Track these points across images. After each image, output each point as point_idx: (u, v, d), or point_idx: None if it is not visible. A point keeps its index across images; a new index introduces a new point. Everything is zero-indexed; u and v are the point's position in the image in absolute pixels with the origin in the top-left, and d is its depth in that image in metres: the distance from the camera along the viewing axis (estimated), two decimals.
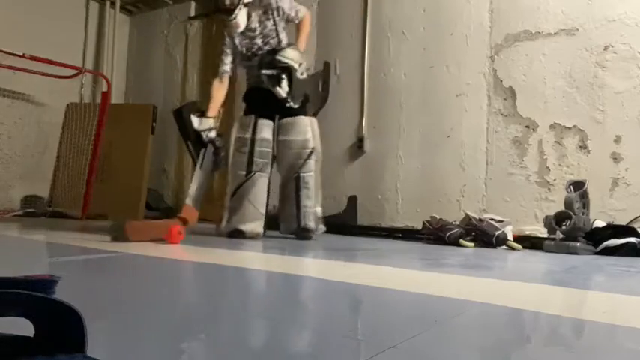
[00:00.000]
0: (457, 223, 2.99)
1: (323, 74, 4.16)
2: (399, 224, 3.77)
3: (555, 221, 2.68)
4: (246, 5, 2.87)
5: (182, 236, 2.25)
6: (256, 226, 2.86)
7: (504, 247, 2.82)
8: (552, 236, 2.73)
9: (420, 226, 3.24)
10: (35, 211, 4.30)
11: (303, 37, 3.01)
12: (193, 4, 5.32)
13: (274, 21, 2.95)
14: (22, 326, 0.40)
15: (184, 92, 5.21)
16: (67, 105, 4.82)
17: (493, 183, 3.46)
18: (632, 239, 2.59)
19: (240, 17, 2.86)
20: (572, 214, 2.62)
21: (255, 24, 2.93)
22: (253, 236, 2.81)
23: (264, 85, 2.84)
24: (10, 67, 4.23)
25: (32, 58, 4.29)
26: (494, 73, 3.51)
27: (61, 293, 0.39)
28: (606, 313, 1.06)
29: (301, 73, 2.87)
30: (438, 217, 3.02)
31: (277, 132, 2.93)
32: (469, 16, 3.63)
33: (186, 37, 5.26)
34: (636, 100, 3.04)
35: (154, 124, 4.88)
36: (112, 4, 5.45)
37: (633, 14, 3.09)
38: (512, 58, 3.45)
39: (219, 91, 2.99)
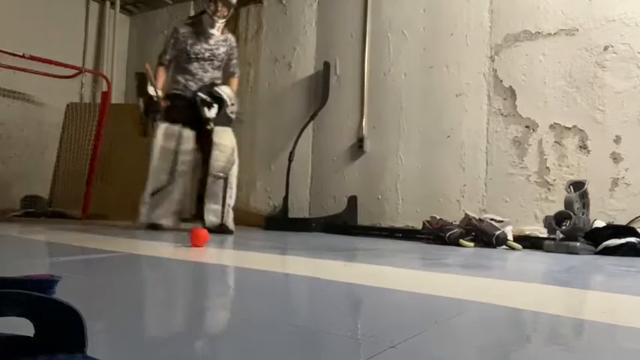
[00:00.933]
0: (457, 223, 2.99)
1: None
2: (399, 224, 3.77)
3: (555, 221, 2.68)
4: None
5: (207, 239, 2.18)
6: (174, 220, 3.28)
7: (504, 247, 2.82)
8: (552, 236, 2.73)
9: (420, 226, 3.24)
10: (35, 211, 4.30)
11: (234, 89, 3.49)
12: (193, 4, 5.31)
13: (227, 58, 3.46)
14: (22, 326, 0.40)
15: None
16: (67, 105, 4.82)
17: (493, 183, 3.46)
18: (632, 239, 2.59)
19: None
20: (572, 214, 2.62)
21: (214, 45, 3.38)
22: (170, 229, 3.21)
23: (197, 103, 3.27)
24: (10, 67, 4.23)
25: (32, 58, 4.29)
26: (494, 73, 3.51)
27: (61, 293, 0.39)
28: (606, 313, 1.06)
29: (231, 112, 3.36)
30: (438, 217, 3.02)
31: (211, 135, 3.27)
32: (469, 16, 3.64)
33: None
34: (636, 100, 3.04)
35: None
36: (112, 4, 5.45)
37: (633, 14, 3.09)
38: (512, 58, 3.45)
39: (163, 74, 3.40)
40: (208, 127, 3.26)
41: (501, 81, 3.48)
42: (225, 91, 3.33)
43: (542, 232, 2.96)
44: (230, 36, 3.48)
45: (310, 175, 4.30)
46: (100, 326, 0.73)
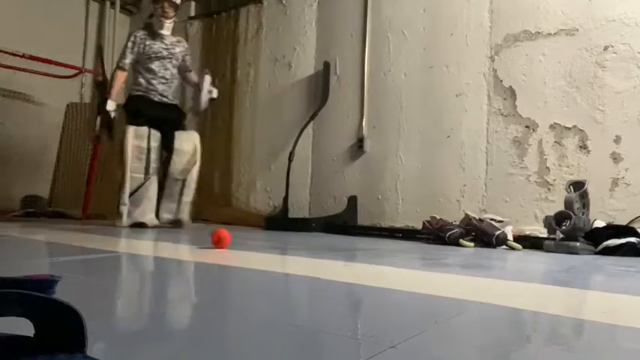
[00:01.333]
0: (457, 223, 2.99)
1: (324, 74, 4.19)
2: (399, 224, 3.77)
3: (555, 221, 2.68)
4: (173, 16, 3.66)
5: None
6: (153, 217, 3.50)
7: (504, 247, 2.82)
8: (552, 236, 2.73)
9: (420, 226, 3.23)
10: (35, 211, 4.30)
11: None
12: (193, 4, 5.32)
13: (182, 58, 3.77)
14: (22, 326, 0.40)
15: (184, 92, 5.21)
16: (67, 105, 4.82)
17: (493, 183, 3.46)
18: (632, 239, 2.58)
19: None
20: (572, 214, 2.62)
21: (170, 45, 3.67)
22: (152, 226, 3.43)
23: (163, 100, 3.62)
24: (10, 67, 4.23)
25: (32, 58, 4.29)
26: (494, 73, 3.51)
27: (61, 293, 0.39)
28: (606, 313, 1.06)
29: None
30: (438, 217, 3.02)
31: (171, 140, 3.57)
32: (469, 16, 3.63)
33: (186, 37, 5.26)
34: (636, 100, 3.04)
35: None
36: (112, 4, 5.46)
37: (633, 14, 3.09)
38: (512, 58, 3.45)
39: (121, 79, 3.60)
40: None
41: (501, 81, 3.48)
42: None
43: (542, 232, 2.96)
44: (182, 38, 3.88)
45: (310, 175, 4.30)
46: (100, 326, 0.73)
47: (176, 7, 3.64)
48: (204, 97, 3.69)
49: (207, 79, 3.68)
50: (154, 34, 3.61)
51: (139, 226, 3.36)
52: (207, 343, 0.68)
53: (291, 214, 4.19)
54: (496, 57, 3.52)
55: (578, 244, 2.57)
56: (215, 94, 3.77)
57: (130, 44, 3.58)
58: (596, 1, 3.20)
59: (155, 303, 0.98)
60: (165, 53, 3.61)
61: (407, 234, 3.44)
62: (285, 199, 4.13)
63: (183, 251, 2.13)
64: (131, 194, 3.42)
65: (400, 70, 3.90)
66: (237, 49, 4.85)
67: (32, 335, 0.40)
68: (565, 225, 2.64)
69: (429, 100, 3.75)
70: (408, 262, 1.97)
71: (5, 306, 0.36)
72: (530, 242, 2.93)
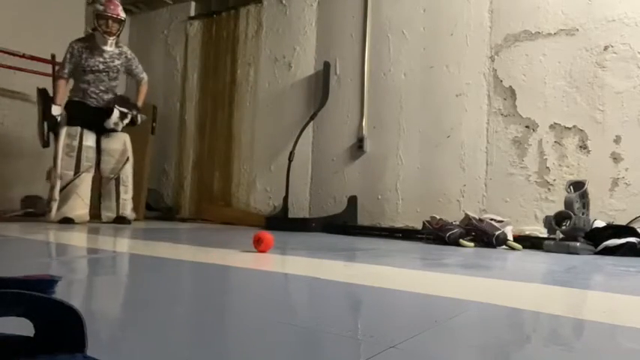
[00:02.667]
0: (457, 223, 2.99)
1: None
2: (399, 224, 3.77)
3: (555, 221, 2.68)
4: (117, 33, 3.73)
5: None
6: (84, 214, 3.66)
7: (504, 247, 2.82)
8: (552, 236, 2.73)
9: (420, 226, 3.23)
10: (35, 211, 4.30)
11: (142, 96, 3.98)
12: (193, 4, 5.32)
13: (126, 69, 3.89)
14: (22, 326, 0.40)
15: (184, 92, 5.22)
16: None
17: (493, 183, 3.46)
18: (632, 239, 2.59)
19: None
20: (572, 214, 2.62)
21: (109, 58, 3.74)
22: (81, 222, 3.59)
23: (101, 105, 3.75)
24: (10, 67, 4.23)
25: (32, 58, 4.28)
26: (494, 73, 3.51)
27: (61, 293, 0.39)
28: (606, 313, 1.06)
29: (140, 122, 3.93)
30: (438, 217, 3.02)
31: (102, 143, 3.76)
32: (469, 16, 3.63)
33: (186, 37, 5.26)
34: (636, 100, 3.04)
35: (154, 124, 4.88)
36: None
37: (633, 14, 3.09)
38: (512, 58, 3.45)
39: (64, 87, 3.73)
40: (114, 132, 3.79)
41: (501, 81, 3.48)
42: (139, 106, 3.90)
43: (542, 232, 2.96)
44: (125, 49, 3.88)
45: (310, 175, 4.30)
46: (100, 326, 0.73)
47: (120, 22, 3.72)
48: (109, 124, 3.73)
49: (116, 112, 3.72)
50: (93, 47, 3.68)
51: (67, 221, 3.52)
52: (207, 342, 0.68)
53: (291, 214, 4.19)
54: (496, 57, 3.52)
55: (578, 244, 2.57)
56: (120, 127, 3.80)
57: (68, 56, 3.66)
58: (596, 1, 3.20)
59: (154, 302, 0.98)
60: (101, 67, 3.71)
61: (407, 234, 3.44)
62: (285, 199, 4.13)
63: (181, 251, 2.12)
64: (61, 190, 3.62)
65: (400, 70, 3.90)
66: (237, 49, 4.85)
67: (32, 335, 0.40)
68: (565, 225, 2.64)
69: (429, 100, 3.75)
70: (408, 262, 1.97)
71: (5, 306, 0.36)
72: (530, 242, 2.93)
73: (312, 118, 4.18)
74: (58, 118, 3.63)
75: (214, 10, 5.12)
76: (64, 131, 3.63)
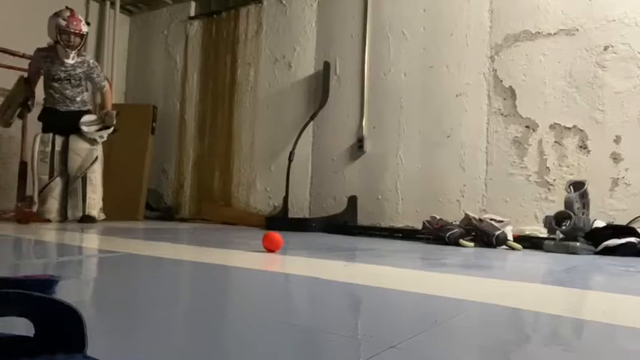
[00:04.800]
0: (457, 223, 2.99)
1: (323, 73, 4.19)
2: (399, 224, 3.77)
3: (555, 221, 2.68)
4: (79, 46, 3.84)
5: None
6: (58, 214, 3.84)
7: (504, 247, 2.82)
8: (552, 236, 2.72)
9: (420, 226, 3.23)
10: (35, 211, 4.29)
11: (108, 103, 4.07)
12: (193, 4, 5.32)
13: (88, 77, 3.95)
14: (22, 326, 0.40)
15: (184, 92, 5.22)
16: None
17: (493, 183, 3.46)
18: (632, 239, 2.58)
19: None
20: (572, 214, 2.62)
21: (70, 67, 3.83)
22: (57, 221, 3.77)
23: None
24: (10, 67, 4.23)
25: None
26: (494, 73, 3.51)
27: (61, 293, 0.39)
28: (606, 313, 1.06)
29: (112, 132, 4.04)
30: (438, 217, 3.02)
31: (69, 142, 3.87)
32: (469, 16, 3.63)
33: (186, 37, 5.26)
34: (636, 100, 3.04)
35: (154, 124, 4.88)
36: (112, 4, 5.45)
37: (633, 14, 3.09)
38: (512, 58, 3.45)
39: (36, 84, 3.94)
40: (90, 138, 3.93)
41: (501, 81, 3.48)
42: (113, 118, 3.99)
43: (542, 232, 2.96)
44: (87, 58, 3.97)
45: (310, 175, 4.30)
46: (100, 326, 0.73)
47: (83, 36, 3.82)
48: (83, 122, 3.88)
49: (83, 129, 3.87)
50: (55, 57, 3.79)
51: (44, 222, 3.70)
52: (207, 342, 0.68)
53: (291, 214, 4.19)
54: (496, 57, 3.52)
55: (578, 244, 2.57)
56: (100, 139, 3.95)
57: (31, 62, 3.89)
58: (596, 1, 3.20)
59: (155, 302, 0.98)
60: (62, 76, 3.83)
61: (407, 234, 3.44)
62: (285, 199, 4.13)
63: (181, 251, 2.12)
64: (40, 192, 3.82)
65: (400, 70, 3.90)
66: (237, 49, 4.85)
67: (32, 335, 0.40)
68: (565, 225, 2.64)
69: (429, 100, 3.75)
70: (408, 262, 1.97)
71: (5, 306, 0.37)
72: (530, 242, 2.93)
73: (312, 118, 4.18)
74: (31, 102, 3.89)
75: (214, 10, 5.12)
76: (38, 138, 3.84)
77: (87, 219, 3.82)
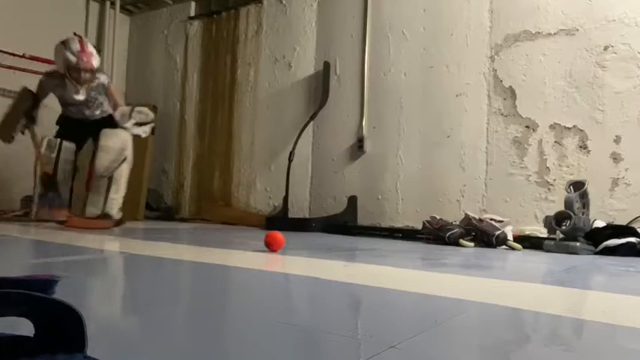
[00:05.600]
0: (457, 223, 2.99)
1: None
2: (399, 224, 3.77)
3: (555, 221, 2.68)
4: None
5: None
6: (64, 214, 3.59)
7: (504, 247, 2.82)
8: (552, 236, 2.72)
9: (420, 226, 3.23)
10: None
11: (120, 100, 3.81)
12: (193, 4, 5.32)
13: (102, 95, 3.64)
14: (22, 326, 0.40)
15: (184, 92, 5.22)
16: None
17: (493, 183, 3.46)
18: (632, 239, 2.58)
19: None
20: (572, 214, 2.62)
21: (82, 97, 3.51)
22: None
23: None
24: (10, 67, 4.23)
25: (32, 58, 4.28)
26: (494, 73, 3.51)
27: (61, 293, 0.39)
28: (606, 313, 1.06)
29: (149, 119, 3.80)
30: (438, 217, 3.02)
31: (100, 138, 3.56)
32: (469, 16, 3.63)
33: (186, 37, 5.26)
34: (636, 100, 3.04)
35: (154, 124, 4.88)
36: (112, 4, 5.45)
37: (633, 14, 3.09)
38: (512, 58, 3.45)
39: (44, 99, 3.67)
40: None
41: (501, 81, 3.48)
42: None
43: (542, 232, 2.96)
44: (102, 80, 3.58)
45: (310, 175, 4.30)
46: (100, 326, 0.73)
47: (95, 71, 3.45)
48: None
49: (126, 125, 3.66)
50: (65, 87, 3.47)
51: (48, 221, 3.60)
52: (207, 342, 0.68)
53: (291, 214, 4.19)
54: (496, 57, 3.52)
55: (578, 244, 2.57)
56: (144, 134, 3.77)
57: (39, 90, 3.56)
58: (596, 1, 3.20)
59: (155, 302, 0.98)
60: (78, 101, 3.55)
61: (407, 234, 3.44)
62: (285, 199, 4.13)
63: (182, 251, 2.13)
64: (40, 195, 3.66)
65: (400, 70, 3.90)
66: (237, 49, 4.85)
67: (32, 335, 0.40)
68: (565, 225, 2.64)
69: (429, 100, 3.75)
70: (408, 262, 1.97)
71: (5, 306, 0.37)
72: (530, 242, 2.93)
73: (312, 118, 4.18)
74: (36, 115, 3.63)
75: (214, 10, 5.12)
76: (45, 142, 3.60)
77: (104, 217, 3.62)
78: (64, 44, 3.36)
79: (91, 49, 3.42)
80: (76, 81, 3.40)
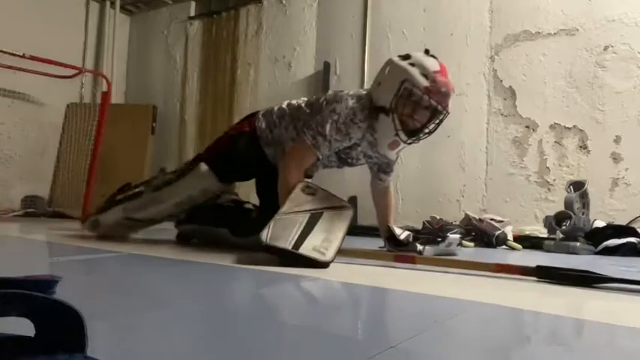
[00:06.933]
0: (457, 223, 2.99)
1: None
2: (399, 224, 3.76)
3: (555, 221, 2.68)
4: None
5: None
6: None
7: (504, 247, 2.82)
8: (552, 236, 2.73)
9: (420, 226, 3.23)
10: (35, 211, 4.30)
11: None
12: (193, 4, 5.32)
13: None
14: (22, 326, 0.40)
15: (184, 92, 5.22)
16: (67, 105, 4.82)
17: (493, 183, 3.46)
18: (632, 239, 2.59)
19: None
20: (572, 214, 2.62)
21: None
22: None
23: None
24: (10, 67, 4.23)
25: (32, 58, 4.28)
26: (494, 73, 3.51)
27: (61, 293, 0.39)
28: (606, 313, 1.06)
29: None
30: (438, 217, 3.02)
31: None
32: (469, 16, 3.63)
33: (186, 37, 5.26)
34: (636, 100, 3.04)
35: (154, 124, 4.88)
36: (112, 4, 5.45)
37: (633, 14, 3.09)
38: (512, 58, 3.45)
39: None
40: None
41: (501, 81, 3.48)
42: None
43: (542, 232, 2.96)
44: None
45: None
46: (100, 326, 0.73)
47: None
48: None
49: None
50: (371, 132, 2.14)
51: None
52: (206, 342, 0.68)
53: None
54: (496, 57, 3.52)
55: (578, 244, 2.57)
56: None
57: (334, 123, 2.04)
58: (596, 1, 3.20)
59: (155, 302, 0.98)
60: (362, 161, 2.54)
61: None
62: None
63: (182, 251, 2.12)
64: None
65: None
66: (237, 49, 4.85)
67: (32, 335, 0.40)
68: (565, 225, 2.64)
69: None
70: None
71: (5, 306, 0.37)
72: (530, 242, 2.93)
73: None
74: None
75: (214, 10, 5.12)
76: (204, 182, 2.34)
77: None
78: (413, 64, 2.13)
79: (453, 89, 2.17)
80: (411, 127, 2.18)
